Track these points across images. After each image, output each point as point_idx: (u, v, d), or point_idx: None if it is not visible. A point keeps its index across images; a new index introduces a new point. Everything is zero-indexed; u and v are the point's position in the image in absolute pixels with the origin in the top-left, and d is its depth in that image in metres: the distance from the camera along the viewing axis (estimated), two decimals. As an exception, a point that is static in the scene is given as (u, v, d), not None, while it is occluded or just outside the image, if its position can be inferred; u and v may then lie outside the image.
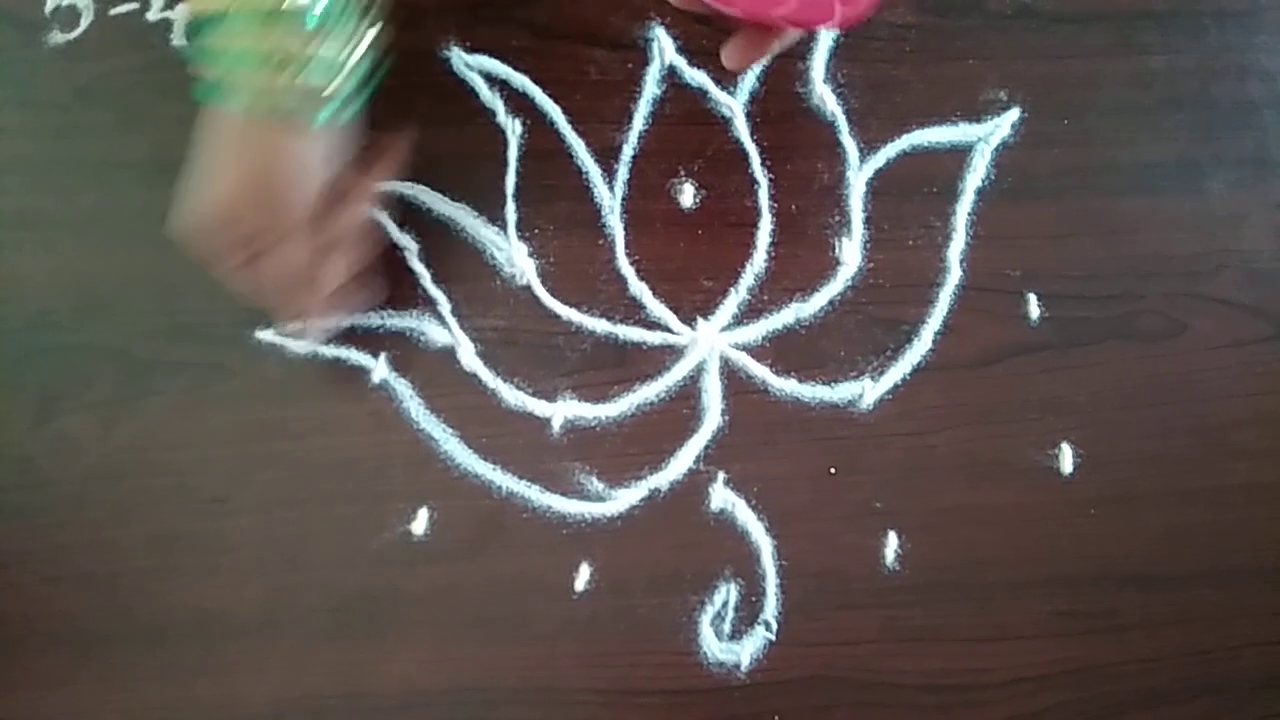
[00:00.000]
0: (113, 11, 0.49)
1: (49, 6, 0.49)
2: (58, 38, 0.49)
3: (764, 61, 0.47)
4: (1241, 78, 0.50)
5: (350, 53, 0.39)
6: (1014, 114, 0.49)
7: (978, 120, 0.48)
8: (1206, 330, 0.46)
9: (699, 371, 0.45)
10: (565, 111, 0.48)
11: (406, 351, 0.45)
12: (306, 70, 0.38)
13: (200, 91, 0.40)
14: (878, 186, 0.47)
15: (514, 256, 0.46)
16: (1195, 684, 0.42)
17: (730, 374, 0.45)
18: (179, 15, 0.49)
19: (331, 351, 0.44)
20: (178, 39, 0.49)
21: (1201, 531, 0.44)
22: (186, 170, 0.41)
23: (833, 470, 0.44)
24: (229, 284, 0.42)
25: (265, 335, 0.44)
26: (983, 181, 0.48)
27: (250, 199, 0.39)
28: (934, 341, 0.46)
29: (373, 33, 0.40)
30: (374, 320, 0.45)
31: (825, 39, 0.49)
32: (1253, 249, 0.48)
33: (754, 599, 0.42)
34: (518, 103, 0.48)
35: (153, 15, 0.49)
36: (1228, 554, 0.43)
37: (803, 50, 0.49)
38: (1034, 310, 0.46)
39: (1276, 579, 0.43)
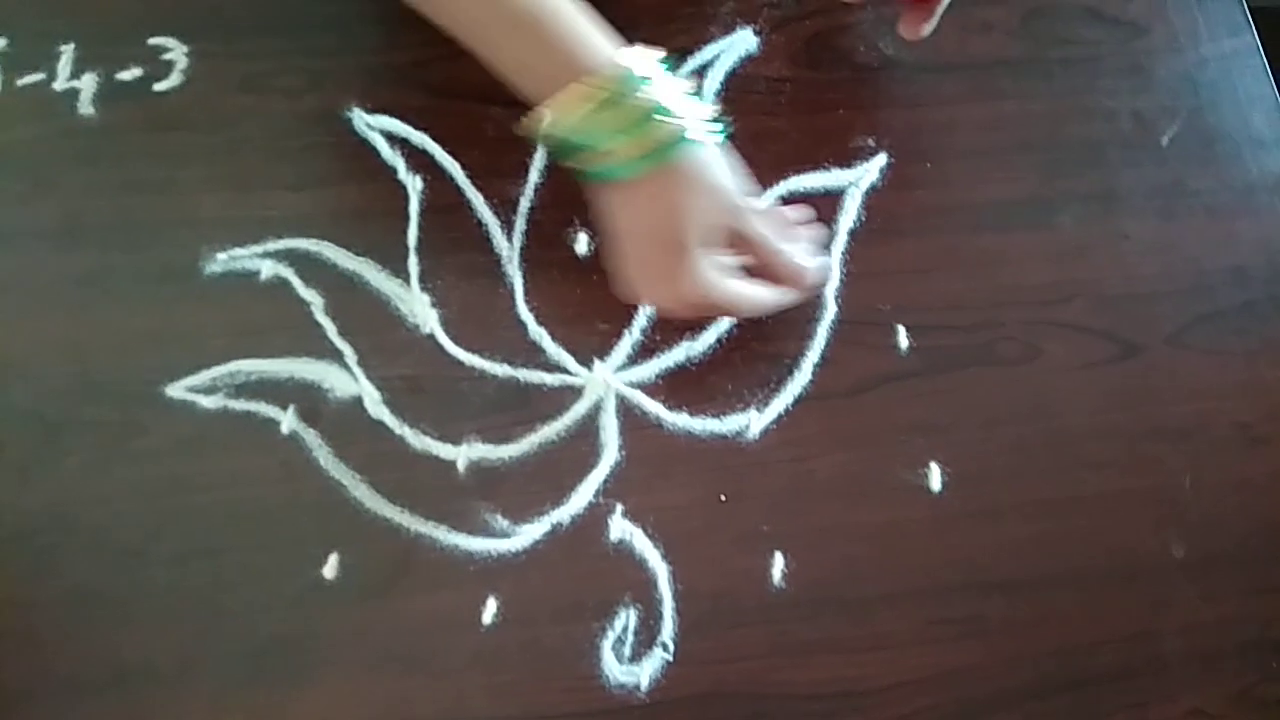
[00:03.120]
0: (20, 82, 0.51)
1: (-45, 78, 0.51)
2: (-35, 109, 0.50)
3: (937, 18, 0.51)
4: (1087, 119, 0.55)
5: (683, 87, 0.42)
6: (881, 159, 0.53)
7: (848, 166, 0.52)
8: (1060, 353, 0.50)
9: (596, 410, 0.48)
10: (464, 167, 0.51)
11: (314, 402, 0.47)
12: (664, 116, 0.41)
13: (589, 175, 0.43)
14: (758, 230, 0.51)
15: (417, 307, 0.48)
16: (1057, 680, 0.45)
17: (626, 411, 0.48)
18: (85, 85, 0.51)
19: (241, 405, 0.46)
20: (84, 108, 0.50)
21: (1060, 539, 0.47)
22: (612, 245, 0.44)
23: (723, 497, 0.47)
24: (737, 306, 0.45)
25: (175, 392, 0.46)
26: (854, 223, 0.51)
27: (694, 222, 0.42)
28: (813, 373, 0.49)
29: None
30: (282, 373, 0.47)
31: (706, 96, 0.53)
32: (1100, 277, 0.52)
33: (652, 622, 0.45)
34: (418, 160, 0.51)
35: (59, 85, 0.51)
36: (1084, 559, 0.47)
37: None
38: (903, 341, 0.50)
39: (1127, 578, 0.47)
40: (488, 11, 0.42)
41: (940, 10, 0.50)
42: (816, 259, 0.47)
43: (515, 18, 0.41)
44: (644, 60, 0.41)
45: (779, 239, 0.45)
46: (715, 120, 0.43)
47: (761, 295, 0.45)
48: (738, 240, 0.44)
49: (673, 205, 0.42)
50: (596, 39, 0.42)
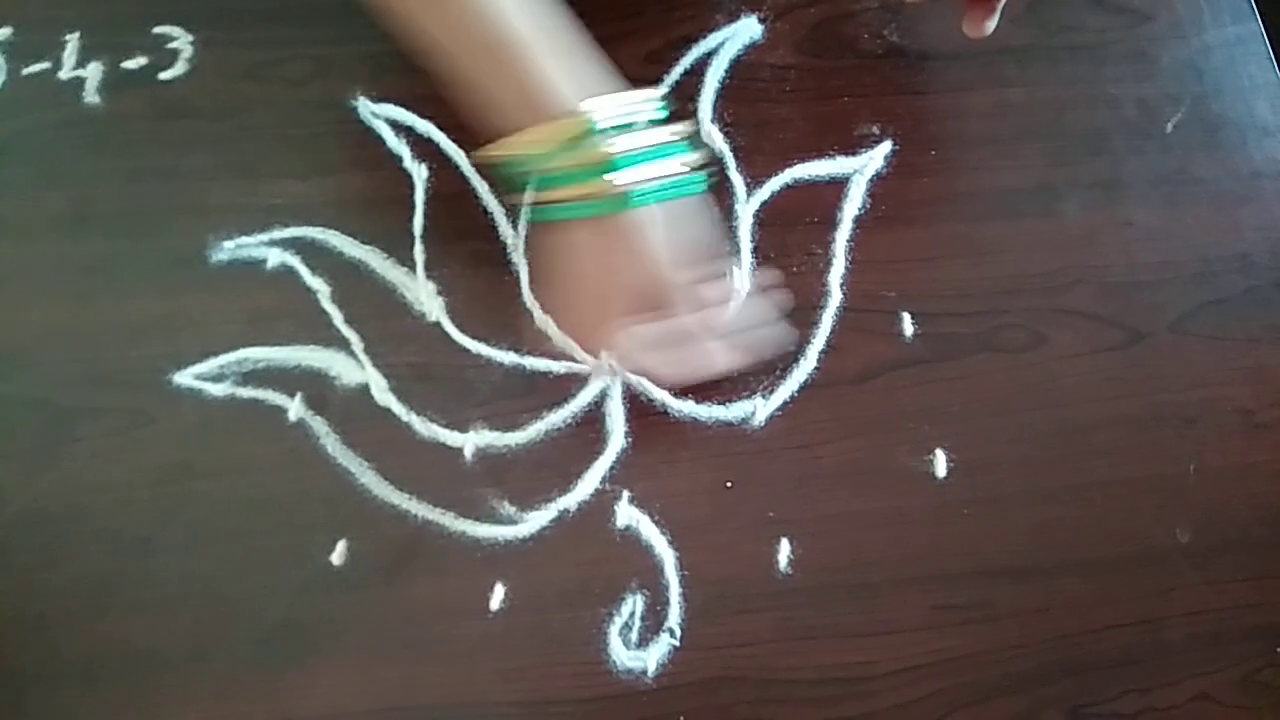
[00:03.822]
0: (25, 71, 0.51)
1: (-40, 67, 0.51)
2: (-30, 98, 0.50)
3: (999, 14, 0.51)
4: (1092, 106, 0.55)
5: (647, 146, 0.43)
6: (886, 146, 0.53)
7: (853, 153, 0.52)
8: (1065, 340, 0.50)
9: (603, 397, 0.48)
10: (469, 155, 0.51)
11: (321, 390, 0.47)
12: (613, 169, 0.42)
13: (533, 215, 0.45)
14: (763, 218, 0.51)
15: (423, 295, 0.49)
16: (1062, 666, 0.45)
17: (632, 398, 0.48)
18: (91, 73, 0.51)
19: (248, 393, 0.46)
20: (90, 96, 0.51)
21: (1065, 525, 0.48)
22: (549, 283, 0.47)
23: (729, 484, 0.47)
24: (631, 360, 0.46)
25: (183, 380, 0.46)
26: (859, 210, 0.51)
27: (616, 284, 0.44)
28: (818, 360, 0.49)
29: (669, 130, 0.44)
30: (289, 361, 0.47)
31: (711, 83, 0.53)
32: (1105, 264, 0.52)
33: (659, 608, 0.45)
34: (423, 148, 0.51)
35: (64, 74, 0.51)
36: (1089, 545, 0.47)
37: (692, 92, 0.53)
38: (908, 328, 0.50)
39: (1133, 566, 0.47)
40: (463, 36, 0.42)
41: (1002, 5, 0.50)
42: (777, 328, 0.47)
43: (488, 47, 0.41)
44: (618, 108, 0.42)
45: (704, 320, 0.45)
46: (699, 169, 0.43)
47: (673, 371, 0.46)
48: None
49: (605, 263, 0.43)
50: (567, 82, 0.42)
